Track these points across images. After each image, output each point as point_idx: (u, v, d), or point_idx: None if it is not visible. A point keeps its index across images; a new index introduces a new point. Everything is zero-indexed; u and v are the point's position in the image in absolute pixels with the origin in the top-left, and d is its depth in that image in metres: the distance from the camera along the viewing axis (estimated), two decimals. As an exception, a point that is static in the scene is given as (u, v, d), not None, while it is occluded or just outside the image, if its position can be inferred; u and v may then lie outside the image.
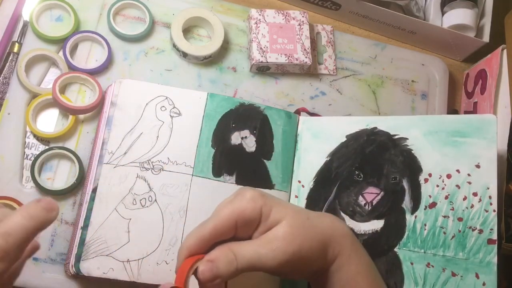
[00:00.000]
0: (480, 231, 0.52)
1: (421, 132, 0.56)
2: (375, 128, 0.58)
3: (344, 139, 0.59)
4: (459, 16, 0.70)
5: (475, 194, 0.53)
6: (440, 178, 0.55)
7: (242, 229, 0.43)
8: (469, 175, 0.54)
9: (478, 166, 0.54)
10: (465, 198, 0.53)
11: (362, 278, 0.45)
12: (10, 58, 0.59)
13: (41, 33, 0.59)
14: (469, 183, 0.54)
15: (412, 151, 0.56)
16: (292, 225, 0.42)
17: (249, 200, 0.43)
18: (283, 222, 0.42)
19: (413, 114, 0.69)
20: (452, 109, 0.73)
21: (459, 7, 0.70)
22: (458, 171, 0.54)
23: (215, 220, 0.42)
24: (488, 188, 0.53)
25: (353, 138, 0.59)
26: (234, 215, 0.42)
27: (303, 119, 0.61)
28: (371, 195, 0.56)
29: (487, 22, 0.72)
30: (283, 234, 0.42)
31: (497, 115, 0.65)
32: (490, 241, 0.52)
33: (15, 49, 0.59)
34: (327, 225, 0.45)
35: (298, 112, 0.65)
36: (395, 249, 0.54)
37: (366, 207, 0.56)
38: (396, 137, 0.57)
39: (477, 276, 0.51)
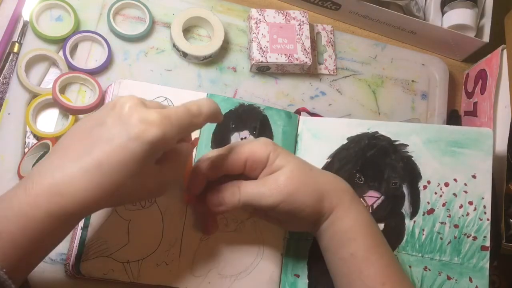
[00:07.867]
0: (474, 238, 0.55)
1: (421, 140, 0.58)
2: (376, 132, 0.59)
3: (345, 141, 0.59)
4: (459, 16, 0.70)
5: (470, 203, 0.56)
6: (438, 185, 0.57)
7: (250, 168, 0.49)
8: (465, 184, 0.57)
9: (474, 177, 0.57)
10: (461, 206, 0.56)
11: (360, 227, 0.49)
12: (10, 58, 0.59)
13: (41, 33, 0.59)
14: (466, 192, 0.56)
15: (412, 158, 0.58)
16: (293, 171, 0.48)
17: (262, 144, 0.49)
18: (285, 168, 0.48)
19: (413, 114, 0.69)
20: (452, 110, 0.73)
21: (459, 7, 0.70)
22: (455, 180, 0.57)
23: (230, 152, 0.49)
24: (483, 198, 0.56)
25: (354, 141, 0.59)
26: (246, 153, 0.48)
27: (303, 119, 0.61)
28: (371, 198, 0.57)
29: (487, 22, 0.72)
30: (283, 177, 0.48)
31: (497, 115, 0.65)
32: (483, 248, 0.55)
33: (15, 49, 0.59)
34: (328, 180, 0.51)
35: (298, 112, 0.65)
36: (394, 252, 0.55)
37: (367, 210, 0.57)
38: (397, 143, 0.58)
39: (470, 280, 0.54)
